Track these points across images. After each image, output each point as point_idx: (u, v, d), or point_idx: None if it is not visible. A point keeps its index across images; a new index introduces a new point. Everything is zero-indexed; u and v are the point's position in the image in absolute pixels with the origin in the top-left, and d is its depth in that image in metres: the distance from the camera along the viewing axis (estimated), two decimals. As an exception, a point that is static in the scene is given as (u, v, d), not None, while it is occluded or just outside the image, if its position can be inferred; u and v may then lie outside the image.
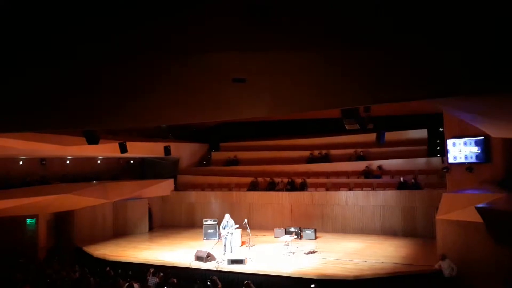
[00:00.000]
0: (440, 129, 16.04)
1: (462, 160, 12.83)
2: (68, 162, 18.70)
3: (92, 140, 10.87)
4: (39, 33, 3.34)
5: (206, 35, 3.12)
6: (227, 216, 14.01)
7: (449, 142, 13.17)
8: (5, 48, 3.56)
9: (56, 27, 3.16)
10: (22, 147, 13.26)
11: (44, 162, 17.60)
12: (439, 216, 11.73)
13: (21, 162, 16.85)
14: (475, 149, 12.50)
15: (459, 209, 10.94)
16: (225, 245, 13.64)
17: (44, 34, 3.30)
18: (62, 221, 16.99)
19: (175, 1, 2.67)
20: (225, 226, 13.75)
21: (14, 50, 3.71)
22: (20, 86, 4.87)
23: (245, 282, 10.34)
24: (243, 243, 15.06)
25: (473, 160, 12.54)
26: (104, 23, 3.08)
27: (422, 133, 18.42)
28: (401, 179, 16.21)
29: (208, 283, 10.32)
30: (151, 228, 19.69)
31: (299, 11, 2.70)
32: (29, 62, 4.07)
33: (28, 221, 15.98)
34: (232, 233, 13.77)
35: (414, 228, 15.61)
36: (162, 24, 3.03)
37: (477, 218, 9.70)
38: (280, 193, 18.39)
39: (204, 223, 17.00)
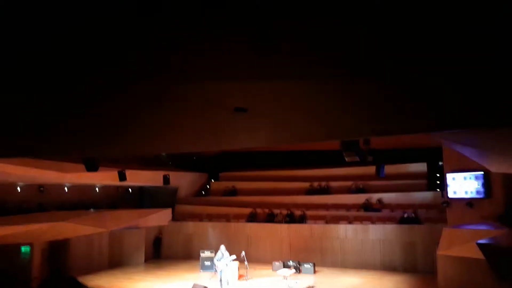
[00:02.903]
0: (440, 163, 16.04)
1: (462, 195, 12.78)
2: (66, 189, 18.59)
3: (91, 167, 10.85)
4: (39, 59, 3.39)
5: (208, 64, 3.17)
6: (222, 248, 13.79)
7: (449, 176, 13.15)
8: (6, 74, 3.60)
9: (56, 55, 3.21)
10: (21, 173, 13.21)
11: (42, 189, 17.49)
12: (440, 252, 11.57)
13: (18, 189, 16.74)
14: (475, 184, 12.47)
15: (460, 245, 10.81)
16: (220, 280, 13.36)
17: (45, 60, 3.35)
18: (57, 250, 16.71)
19: (177, 30, 2.73)
20: (220, 259, 13.52)
21: (14, 76, 3.75)
22: (22, 112, 4.90)
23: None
24: (240, 276, 14.76)
25: (473, 195, 12.49)
26: (105, 49, 3.13)
27: (421, 167, 18.39)
28: (405, 215, 16.06)
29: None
30: (159, 257, 19.56)
31: (300, 41, 2.75)
32: (29, 88, 4.11)
33: (23, 249, 15.72)
34: (227, 264, 13.50)
35: (414, 264, 15.34)
36: (163, 52, 3.08)
37: (478, 254, 9.56)
38: (279, 225, 18.19)
39: (201, 254, 16.73)
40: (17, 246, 15.49)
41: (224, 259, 13.46)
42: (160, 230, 20.12)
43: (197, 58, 3.05)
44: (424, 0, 2.34)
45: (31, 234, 14.79)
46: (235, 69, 3.19)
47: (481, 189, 12.29)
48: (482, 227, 10.99)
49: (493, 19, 2.51)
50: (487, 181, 12.23)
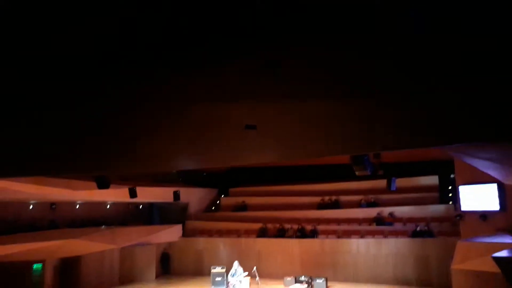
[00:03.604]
0: (452, 175, 15.87)
1: (475, 208, 12.59)
2: (77, 206, 18.69)
3: (103, 184, 10.92)
4: (54, 85, 3.46)
5: (220, 85, 3.21)
6: (235, 263, 13.73)
7: (461, 188, 12.99)
8: (20, 97, 3.68)
9: (76, 74, 3.28)
10: (33, 191, 13.34)
11: (54, 206, 17.61)
12: (454, 266, 11.37)
13: (31, 206, 16.88)
14: (488, 196, 12.28)
15: (475, 258, 10.61)
16: (233, 294, 13.29)
17: (61, 80, 3.41)
18: (68, 267, 16.73)
19: (191, 56, 2.78)
20: (233, 274, 13.46)
21: (25, 97, 3.83)
22: (35, 133, 4.98)
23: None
24: (251, 292, 14.64)
25: (487, 207, 12.29)
26: (118, 70, 3.19)
27: (433, 180, 18.20)
28: (418, 228, 15.87)
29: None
30: (167, 273, 19.45)
31: (307, 63, 2.78)
32: (42, 111, 4.18)
33: (35, 266, 15.76)
34: (241, 281, 13.43)
35: (428, 278, 15.08)
36: (177, 73, 3.13)
37: (494, 268, 9.37)
38: (290, 240, 18.05)
39: (212, 270, 16.62)
40: (29, 264, 15.54)
41: (238, 275, 13.39)
42: (167, 246, 20.01)
43: (210, 80, 3.09)
44: (435, 23, 2.36)
45: (43, 251, 14.84)
46: (247, 89, 3.23)
47: (495, 202, 12.10)
48: (497, 240, 10.79)
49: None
50: (501, 193, 12.05)
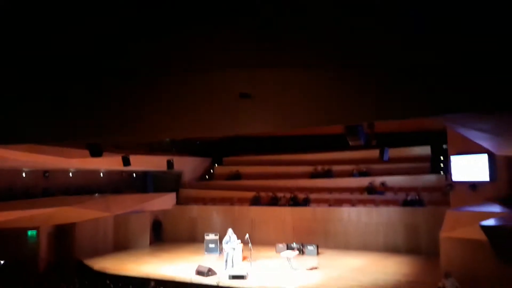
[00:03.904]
0: (444, 146, 16.01)
1: (466, 178, 12.77)
2: (71, 174, 18.72)
3: (95, 152, 10.88)
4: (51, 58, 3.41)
5: (214, 52, 3.17)
6: (229, 231, 13.95)
7: (453, 159, 13.13)
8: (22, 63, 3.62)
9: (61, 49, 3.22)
10: (25, 159, 13.30)
11: (47, 174, 17.62)
12: (443, 234, 11.64)
13: (24, 174, 16.87)
14: (479, 167, 12.44)
15: (463, 227, 10.86)
16: (226, 260, 13.56)
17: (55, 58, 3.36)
18: (63, 234, 16.92)
19: (184, 20, 2.73)
20: (227, 241, 13.70)
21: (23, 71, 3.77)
22: (29, 100, 4.92)
23: (246, 298, 10.24)
24: (244, 258, 14.94)
25: (478, 178, 12.47)
26: (114, 40, 3.13)
27: (425, 150, 18.36)
28: (408, 198, 16.13)
29: (209, 298, 10.23)
30: (161, 240, 19.75)
31: (305, 31, 2.74)
32: (39, 77, 4.12)
33: (30, 233, 15.92)
34: (234, 248, 13.70)
35: (417, 245, 15.46)
36: (170, 42, 3.07)
37: (481, 235, 9.61)
38: (282, 208, 18.31)
39: (206, 237, 16.91)
40: (24, 230, 15.68)
41: (231, 242, 13.64)
42: (160, 213, 20.19)
43: (205, 47, 3.05)
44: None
45: (38, 218, 14.96)
46: (241, 57, 3.19)
47: (486, 172, 12.27)
48: (486, 209, 11.02)
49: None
50: (492, 164, 12.20)
